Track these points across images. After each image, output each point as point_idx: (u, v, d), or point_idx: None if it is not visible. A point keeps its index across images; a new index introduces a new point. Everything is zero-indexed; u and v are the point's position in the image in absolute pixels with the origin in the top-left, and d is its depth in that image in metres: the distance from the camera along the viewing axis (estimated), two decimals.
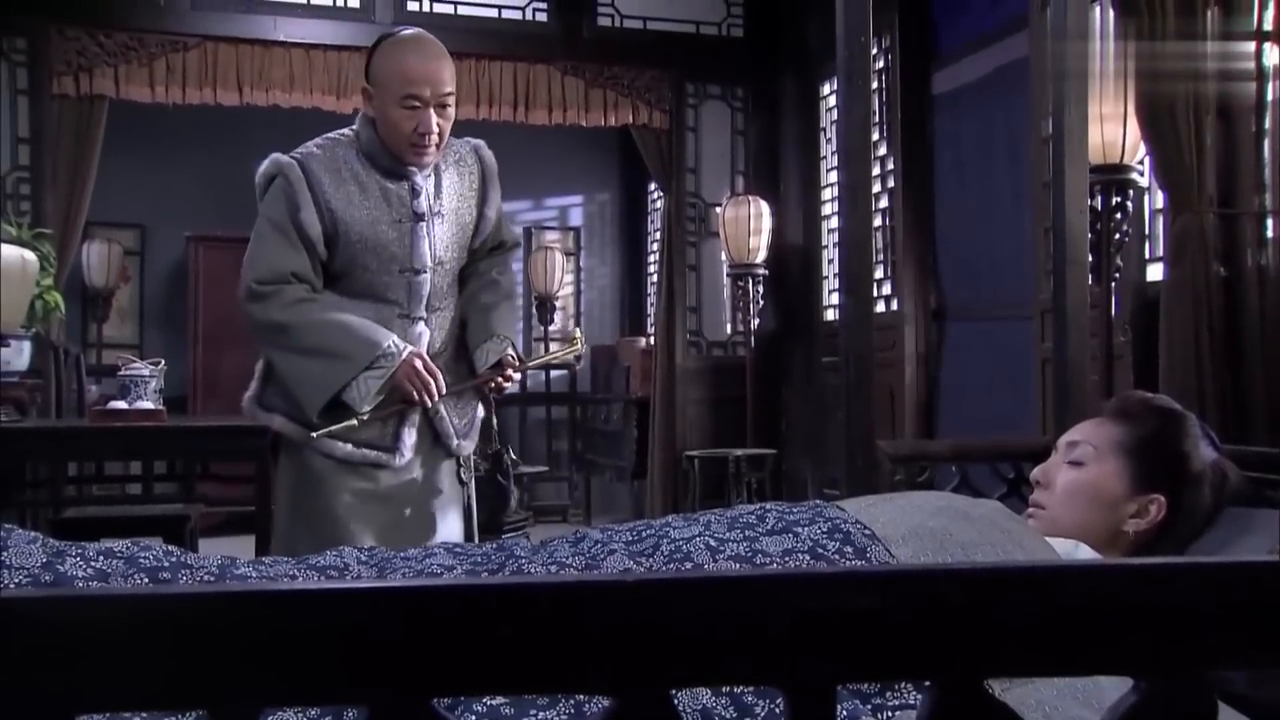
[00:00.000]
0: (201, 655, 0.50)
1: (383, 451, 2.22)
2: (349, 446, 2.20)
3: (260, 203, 2.24)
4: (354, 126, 2.28)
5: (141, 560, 1.28)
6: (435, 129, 2.17)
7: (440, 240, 2.27)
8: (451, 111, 2.22)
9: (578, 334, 2.55)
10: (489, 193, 2.37)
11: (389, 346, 2.15)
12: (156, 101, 5.45)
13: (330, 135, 2.28)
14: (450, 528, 2.32)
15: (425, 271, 2.25)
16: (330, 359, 2.14)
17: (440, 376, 2.20)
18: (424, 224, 2.25)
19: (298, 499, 2.25)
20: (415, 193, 2.24)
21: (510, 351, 2.31)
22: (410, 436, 2.25)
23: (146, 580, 1.25)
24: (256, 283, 2.17)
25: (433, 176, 2.27)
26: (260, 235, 2.21)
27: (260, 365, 2.30)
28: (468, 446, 2.37)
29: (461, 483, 2.36)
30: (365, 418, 2.15)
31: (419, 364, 2.17)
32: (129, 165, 6.63)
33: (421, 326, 2.27)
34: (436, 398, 2.20)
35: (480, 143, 2.41)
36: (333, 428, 2.14)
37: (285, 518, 2.27)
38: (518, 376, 2.34)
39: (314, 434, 2.14)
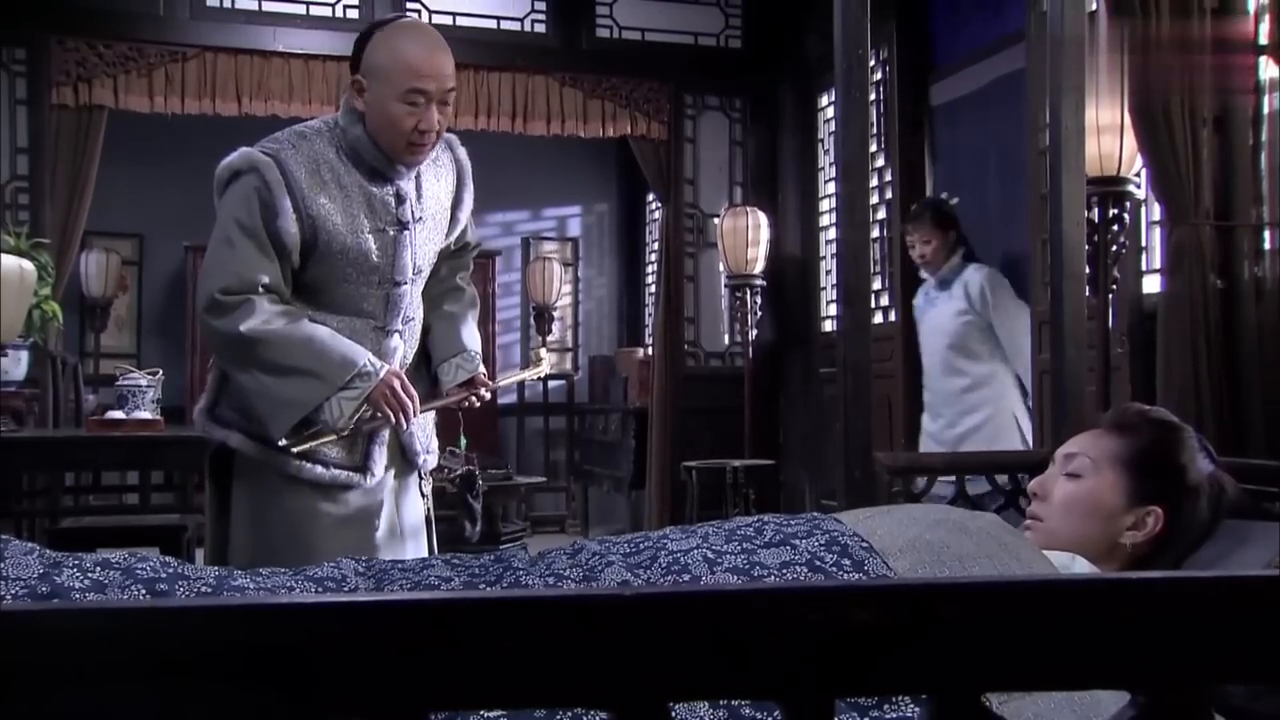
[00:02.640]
0: (198, 669, 0.50)
1: (353, 471, 2.08)
2: (319, 468, 2.04)
3: (220, 199, 2.03)
4: (331, 118, 2.11)
5: (139, 571, 1.28)
6: (436, 127, 2.02)
7: (420, 249, 2.13)
8: (450, 109, 2.07)
9: (543, 353, 2.43)
10: (463, 194, 2.23)
11: (365, 365, 2.00)
12: (155, 112, 5.46)
13: (301, 128, 2.09)
14: (420, 544, 2.21)
15: (406, 283, 2.11)
16: (302, 378, 1.97)
17: (416, 397, 2.06)
18: (407, 232, 2.09)
19: (258, 522, 2.08)
20: (401, 199, 2.08)
21: (482, 369, 2.22)
22: (381, 455, 2.11)
23: (144, 592, 1.25)
24: (222, 293, 1.96)
25: (413, 179, 2.11)
26: (228, 241, 1.98)
27: (214, 376, 2.11)
28: (432, 461, 2.25)
29: (423, 495, 2.24)
30: (343, 434, 2.01)
31: (396, 384, 2.02)
32: (128, 175, 6.63)
33: (396, 340, 2.13)
34: (412, 419, 2.06)
35: (454, 138, 2.24)
36: (308, 444, 1.99)
37: (244, 541, 2.08)
38: (489, 396, 2.24)
39: (293, 449, 1.98)
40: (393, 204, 2.08)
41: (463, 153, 2.24)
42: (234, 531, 2.11)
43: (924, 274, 4.23)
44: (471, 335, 2.25)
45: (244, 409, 2.06)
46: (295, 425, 1.99)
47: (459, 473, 2.33)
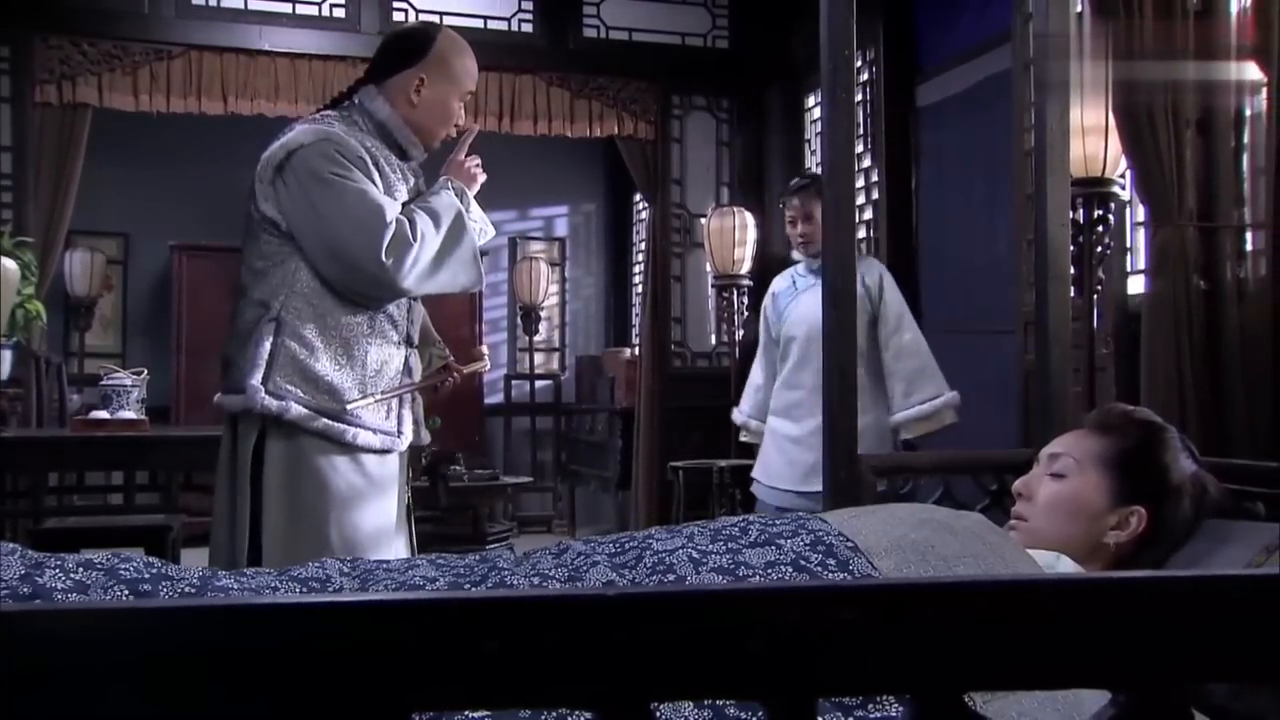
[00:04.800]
0: (182, 670, 0.50)
1: (391, 436, 2.21)
2: (367, 433, 2.15)
3: (306, 175, 2.11)
4: (335, 112, 2.26)
5: (122, 572, 1.27)
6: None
7: None
8: None
9: (483, 349, 2.57)
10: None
11: (450, 196, 2.26)
12: (140, 110, 5.43)
13: (325, 115, 2.25)
14: (405, 533, 2.31)
15: None
16: (447, 228, 2.19)
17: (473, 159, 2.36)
18: None
19: (295, 486, 2.12)
20: (417, 174, 2.34)
21: (452, 358, 2.43)
22: (409, 418, 2.26)
23: (127, 592, 1.24)
24: (389, 227, 2.09)
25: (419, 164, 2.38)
26: (343, 192, 2.09)
27: (266, 346, 2.11)
28: (426, 437, 2.38)
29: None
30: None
31: (453, 163, 2.33)
32: (112, 174, 6.60)
33: (419, 305, 2.33)
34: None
35: None
36: (361, 401, 2.13)
37: (282, 507, 2.12)
38: (459, 380, 2.44)
39: (348, 405, 2.12)
40: (413, 178, 2.32)
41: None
42: (267, 514, 2.12)
43: (796, 255, 3.75)
44: (433, 332, 2.46)
45: (304, 376, 2.11)
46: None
47: (434, 449, 2.42)
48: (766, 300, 3.86)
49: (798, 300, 3.69)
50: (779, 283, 3.82)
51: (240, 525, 2.13)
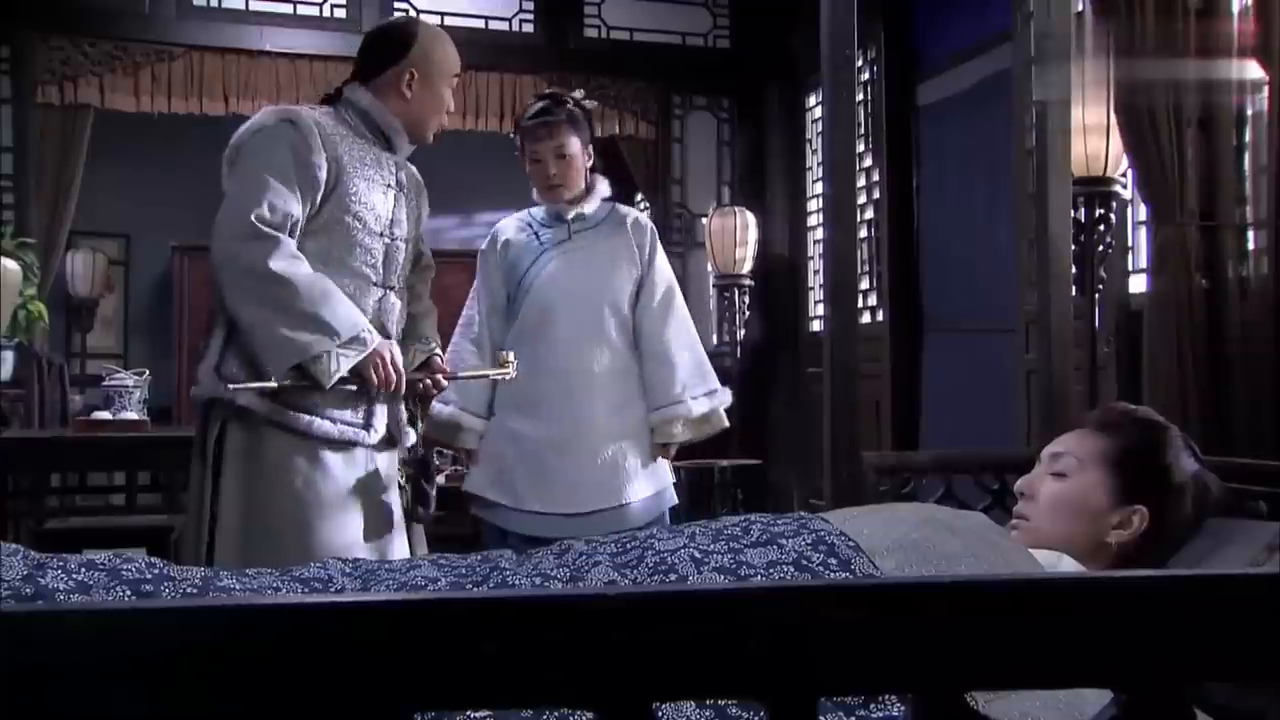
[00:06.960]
0: (184, 670, 0.50)
1: (356, 428, 2.18)
2: (327, 424, 2.13)
3: (238, 158, 2.18)
4: (331, 105, 2.30)
5: (124, 572, 1.27)
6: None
7: (407, 217, 2.33)
8: None
9: (510, 356, 2.44)
10: (423, 205, 2.45)
11: (365, 331, 2.11)
12: (142, 111, 5.43)
13: (307, 107, 2.29)
14: (402, 532, 2.29)
15: (402, 240, 2.31)
16: (314, 326, 2.04)
17: (404, 374, 2.19)
18: (402, 194, 2.32)
19: (253, 483, 2.11)
20: (398, 165, 2.33)
21: (439, 355, 2.39)
22: (381, 414, 2.23)
23: (129, 593, 1.24)
24: (259, 220, 2.06)
25: (403, 156, 2.37)
26: (257, 179, 2.10)
27: (220, 334, 2.15)
28: (410, 439, 2.34)
29: (401, 487, 2.32)
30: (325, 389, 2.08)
31: (388, 355, 2.15)
32: (114, 175, 6.59)
33: (394, 298, 2.29)
34: (398, 390, 2.20)
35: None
36: (292, 383, 2.08)
37: (238, 503, 2.11)
38: (445, 383, 2.39)
39: (275, 383, 2.05)
40: (393, 167, 2.31)
41: (414, 169, 2.44)
42: (223, 509, 2.11)
43: (540, 198, 2.79)
44: (431, 328, 2.43)
45: (252, 360, 2.11)
46: (289, 370, 2.07)
47: (417, 455, 2.36)
48: (491, 253, 2.84)
49: (548, 260, 2.75)
50: (510, 230, 2.85)
51: (201, 519, 2.13)
